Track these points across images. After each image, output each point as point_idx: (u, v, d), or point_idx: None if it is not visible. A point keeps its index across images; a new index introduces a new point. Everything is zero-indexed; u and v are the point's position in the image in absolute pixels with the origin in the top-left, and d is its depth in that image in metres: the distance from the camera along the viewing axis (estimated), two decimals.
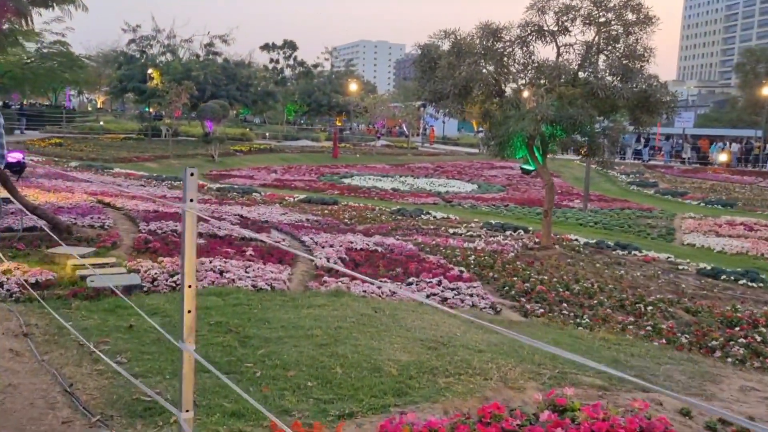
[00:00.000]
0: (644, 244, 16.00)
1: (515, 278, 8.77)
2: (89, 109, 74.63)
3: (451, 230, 15.13)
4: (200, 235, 9.34)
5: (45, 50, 35.90)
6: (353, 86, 47.94)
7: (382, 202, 21.82)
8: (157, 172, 25.18)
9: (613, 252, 13.92)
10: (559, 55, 13.23)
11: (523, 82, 13.86)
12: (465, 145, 54.91)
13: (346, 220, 15.24)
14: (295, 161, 36.07)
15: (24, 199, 8.04)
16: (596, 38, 12.92)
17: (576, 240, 15.06)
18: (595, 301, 7.92)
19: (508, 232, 15.85)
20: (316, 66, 53.01)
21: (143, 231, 9.16)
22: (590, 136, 13.12)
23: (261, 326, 4.77)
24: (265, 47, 48.35)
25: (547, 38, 12.64)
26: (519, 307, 7.24)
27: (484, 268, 9.53)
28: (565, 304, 7.50)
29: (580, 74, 12.93)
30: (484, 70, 13.76)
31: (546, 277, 9.11)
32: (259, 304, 5.43)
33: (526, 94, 13.70)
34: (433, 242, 12.50)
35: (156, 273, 6.36)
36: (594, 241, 15.01)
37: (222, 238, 9.34)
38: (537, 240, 14.29)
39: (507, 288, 8.12)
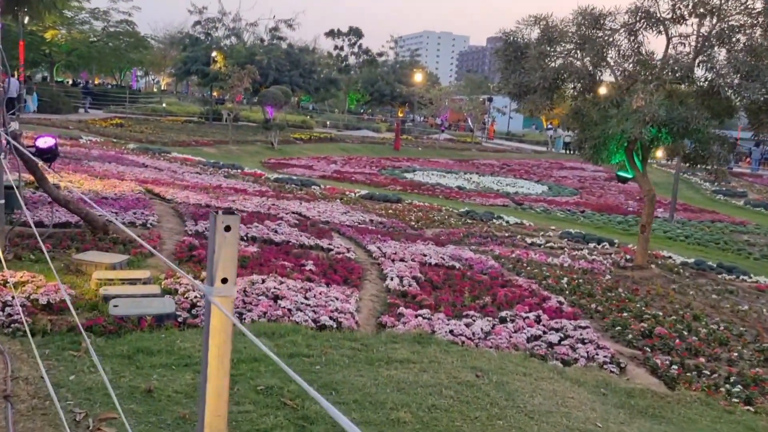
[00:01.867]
0: (748, 265, 14.06)
1: (624, 313, 7.23)
2: (154, 90, 75.43)
3: (528, 240, 13.59)
4: (254, 240, 8.12)
5: (111, 29, 35.72)
6: (419, 77, 46.42)
7: (447, 201, 20.37)
8: (215, 158, 24.37)
9: (719, 276, 12.13)
10: (668, 46, 11.51)
11: (623, 76, 12.17)
12: (531, 143, 52.70)
13: (413, 223, 13.88)
14: (355, 152, 34.88)
15: (55, 190, 6.97)
16: (715, 29, 11.11)
17: (671, 258, 13.29)
18: (734, 353, 6.33)
19: (591, 245, 14.19)
20: (380, 55, 51.69)
21: (189, 232, 8.00)
22: (702, 142, 11.34)
23: (326, 397, 3.43)
24: (330, 34, 47.27)
25: (660, 27, 10.93)
26: (643, 359, 5.72)
27: (583, 295, 8.01)
28: (701, 359, 5.94)
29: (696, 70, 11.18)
30: (578, 63, 12.17)
31: (660, 313, 7.55)
32: (323, 356, 4.11)
33: (603, 89, 12.07)
34: (513, 255, 11.04)
35: (196, 297, 5.14)
36: (692, 260, 13.19)
37: (278, 244, 8.10)
38: (628, 257, 12.62)
39: (619, 328, 6.59)
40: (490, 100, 51.22)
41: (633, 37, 11.14)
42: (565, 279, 8.94)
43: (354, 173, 25.58)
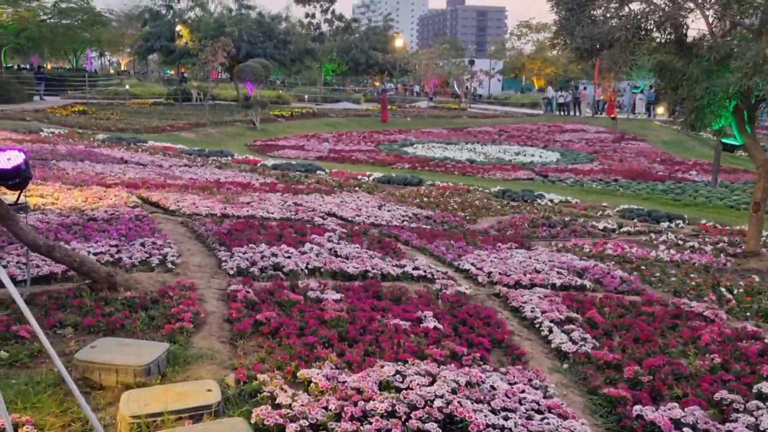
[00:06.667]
0: None
1: None
2: (111, 72, 70.95)
3: (598, 225, 11.47)
4: (320, 273, 5.73)
5: (63, 5, 32.08)
6: (399, 42, 43.52)
7: (467, 178, 18.19)
8: (197, 144, 21.68)
9: None
10: None
11: (718, 18, 9.95)
12: (515, 105, 50.44)
13: (460, 213, 11.63)
14: (342, 127, 32.28)
15: (31, 232, 4.49)
16: None
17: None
18: None
19: (664, 224, 12.17)
20: (355, 20, 48.48)
21: (230, 271, 5.58)
22: None
23: None
24: (301, 0, 43.98)
25: None
26: None
27: None
28: None
29: None
30: (662, 4, 9.94)
31: None
32: None
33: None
34: (606, 251, 8.90)
35: None
36: None
37: (355, 278, 5.76)
38: (726, 239, 10.56)
39: None
40: (472, 62, 48.81)
41: None
42: (723, 290, 6.79)
43: (351, 152, 23.12)
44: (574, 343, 4.52)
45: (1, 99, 27.04)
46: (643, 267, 7.95)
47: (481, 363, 3.97)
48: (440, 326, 4.51)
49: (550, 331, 4.72)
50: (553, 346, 4.50)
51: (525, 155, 24.69)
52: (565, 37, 10.88)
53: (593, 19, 10.44)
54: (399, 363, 3.71)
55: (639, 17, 9.82)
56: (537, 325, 4.89)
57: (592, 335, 4.80)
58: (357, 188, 14.03)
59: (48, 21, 32.75)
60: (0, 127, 19.36)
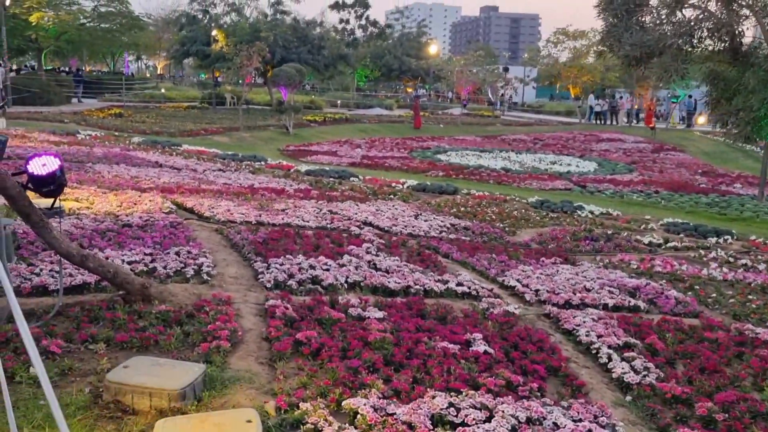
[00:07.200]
0: None
1: None
2: (148, 75, 71.99)
3: (643, 239, 11.03)
4: (359, 287, 5.48)
5: (102, 9, 32.47)
6: (433, 48, 43.21)
7: (502, 187, 17.79)
8: (231, 148, 21.65)
9: None
10: None
11: None
12: (549, 113, 49.74)
13: (498, 224, 11.28)
14: (375, 133, 32.09)
15: (65, 241, 4.31)
16: None
17: None
18: None
19: (712, 239, 11.65)
20: (389, 26, 48.39)
21: (267, 284, 5.36)
22: None
23: None
24: (335, 6, 43.96)
25: None
26: None
27: None
28: None
29: None
30: (717, 12, 9.53)
31: None
32: None
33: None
34: (655, 267, 8.49)
35: None
36: None
37: (396, 293, 5.49)
38: None
39: None
40: (506, 69, 48.31)
41: None
42: None
43: (384, 158, 22.90)
44: (637, 372, 4.19)
45: (40, 101, 27.43)
46: (697, 286, 7.54)
47: (539, 395, 3.67)
48: (491, 350, 4.21)
49: (609, 358, 4.39)
50: (614, 376, 4.17)
51: (561, 164, 24.19)
52: (612, 44, 10.54)
53: (642, 26, 10.08)
54: (451, 393, 3.44)
55: (692, 24, 9.44)
56: (594, 351, 4.56)
57: (654, 364, 4.46)
58: (392, 196, 13.76)
59: (87, 25, 33.24)
60: (39, 128, 19.59)
